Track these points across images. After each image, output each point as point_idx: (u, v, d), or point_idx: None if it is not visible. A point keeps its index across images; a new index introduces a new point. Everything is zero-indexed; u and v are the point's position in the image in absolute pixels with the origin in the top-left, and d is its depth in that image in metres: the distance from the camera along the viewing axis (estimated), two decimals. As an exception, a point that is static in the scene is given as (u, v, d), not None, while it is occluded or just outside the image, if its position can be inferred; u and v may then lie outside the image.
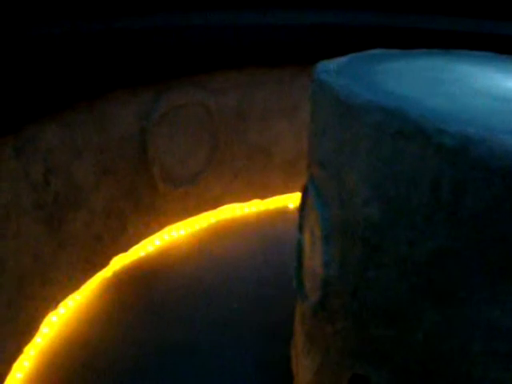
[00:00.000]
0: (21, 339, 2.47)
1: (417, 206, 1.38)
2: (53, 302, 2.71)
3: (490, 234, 1.28)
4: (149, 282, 3.06)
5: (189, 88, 3.27)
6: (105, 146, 2.88)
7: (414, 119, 1.35)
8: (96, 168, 2.86)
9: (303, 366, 2.08)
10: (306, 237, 1.97)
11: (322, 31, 3.58)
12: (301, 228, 2.05)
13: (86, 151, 2.77)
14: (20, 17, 2.74)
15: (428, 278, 1.41)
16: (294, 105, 3.78)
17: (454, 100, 1.56)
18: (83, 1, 3.03)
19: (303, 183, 2.04)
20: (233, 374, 2.42)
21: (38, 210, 2.47)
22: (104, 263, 3.10)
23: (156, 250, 3.37)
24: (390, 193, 1.44)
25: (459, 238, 1.33)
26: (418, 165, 1.35)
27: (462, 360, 1.43)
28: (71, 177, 2.68)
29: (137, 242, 3.32)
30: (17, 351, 2.44)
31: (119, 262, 3.18)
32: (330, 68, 1.84)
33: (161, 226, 3.46)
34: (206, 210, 3.71)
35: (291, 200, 3.95)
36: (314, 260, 1.84)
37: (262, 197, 3.94)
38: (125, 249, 3.24)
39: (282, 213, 3.86)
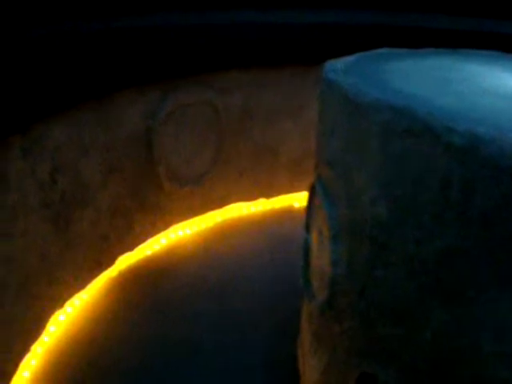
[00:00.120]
0: (28, 338, 2.48)
1: (425, 204, 1.38)
2: (59, 301, 2.71)
3: (498, 232, 1.28)
4: (155, 281, 3.06)
5: (195, 87, 3.27)
6: (111, 144, 2.89)
7: (422, 118, 1.35)
8: (102, 167, 2.87)
9: (310, 365, 2.07)
10: (314, 236, 1.97)
11: (328, 31, 3.58)
12: (308, 227, 2.05)
13: (92, 150, 2.77)
14: (29, 15, 2.74)
15: (436, 277, 1.41)
16: (301, 104, 3.77)
17: (462, 99, 1.55)
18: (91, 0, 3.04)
19: (310, 182, 2.03)
20: (238, 373, 2.43)
21: (45, 208, 2.48)
22: (110, 262, 3.10)
23: (162, 249, 3.37)
24: (398, 191, 1.44)
25: (468, 237, 1.33)
26: (427, 163, 1.35)
27: (471, 359, 1.42)
28: (78, 175, 2.69)
29: (143, 241, 3.32)
30: (24, 350, 2.45)
31: (125, 261, 3.18)
32: (337, 67, 1.84)
33: (167, 226, 3.46)
34: (211, 209, 3.71)
35: (297, 199, 3.95)
36: (322, 259, 1.84)
37: (268, 196, 3.94)
38: (131, 248, 3.24)
39: (288, 212, 3.86)
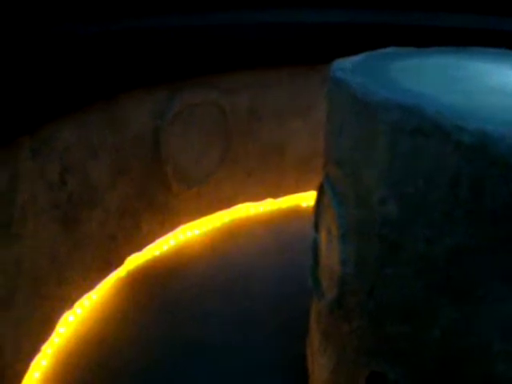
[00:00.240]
0: (37, 339, 2.49)
1: (435, 203, 1.38)
2: (68, 302, 2.72)
3: (508, 231, 1.28)
4: (163, 281, 3.07)
5: (203, 87, 3.28)
6: (120, 145, 2.90)
7: (431, 117, 1.35)
8: (111, 167, 2.87)
9: (319, 364, 2.08)
10: (322, 235, 1.98)
11: (333, 30, 3.58)
12: (316, 227, 2.06)
13: (101, 151, 2.78)
14: (39, 14, 2.75)
15: (446, 275, 1.41)
16: (308, 104, 3.77)
17: (470, 97, 1.55)
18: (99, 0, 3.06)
19: (318, 182, 2.03)
20: (247, 373, 2.43)
21: (54, 209, 2.49)
22: (119, 263, 3.11)
23: (170, 249, 3.37)
24: (408, 190, 1.44)
25: (477, 235, 1.33)
26: (436, 162, 1.35)
27: (479, 358, 1.42)
28: (87, 176, 2.70)
29: (151, 241, 3.32)
30: (34, 350, 2.45)
31: (134, 262, 3.19)
32: (345, 66, 1.84)
33: (174, 226, 3.46)
34: (219, 209, 3.71)
35: (304, 199, 3.94)
36: (331, 258, 1.84)
37: (276, 196, 3.94)
38: (139, 248, 3.24)
39: (296, 212, 3.85)
